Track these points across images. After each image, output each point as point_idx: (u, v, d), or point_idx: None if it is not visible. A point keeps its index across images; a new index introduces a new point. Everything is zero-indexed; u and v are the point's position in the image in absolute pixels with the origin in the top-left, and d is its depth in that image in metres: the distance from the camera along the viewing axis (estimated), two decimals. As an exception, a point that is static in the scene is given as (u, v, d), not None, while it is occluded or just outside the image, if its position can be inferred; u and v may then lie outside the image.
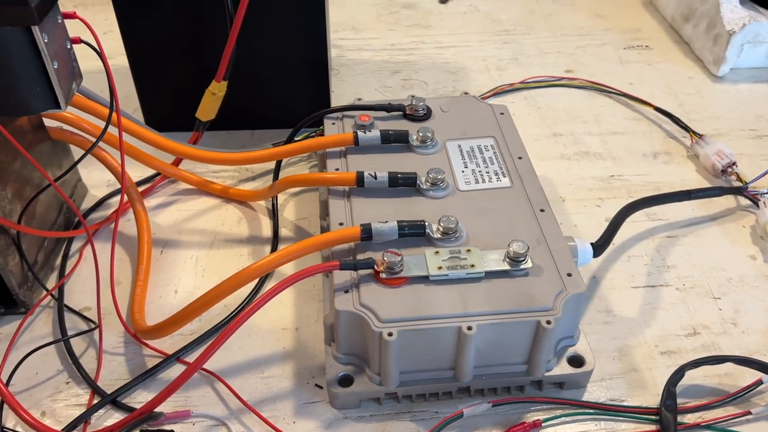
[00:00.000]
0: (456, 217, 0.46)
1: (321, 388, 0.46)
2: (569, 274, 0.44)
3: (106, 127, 0.46)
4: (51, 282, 0.53)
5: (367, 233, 0.45)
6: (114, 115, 0.45)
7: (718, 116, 0.72)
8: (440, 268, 0.43)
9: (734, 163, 0.62)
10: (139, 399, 0.45)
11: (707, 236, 0.58)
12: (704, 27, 0.79)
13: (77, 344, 0.48)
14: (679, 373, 0.45)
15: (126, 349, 0.48)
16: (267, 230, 0.58)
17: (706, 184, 0.62)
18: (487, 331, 0.41)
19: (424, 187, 0.50)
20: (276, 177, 0.62)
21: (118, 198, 0.61)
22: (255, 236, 0.58)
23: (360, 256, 0.44)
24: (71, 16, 0.42)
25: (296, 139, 0.61)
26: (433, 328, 0.41)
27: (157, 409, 0.42)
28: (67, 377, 0.47)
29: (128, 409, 0.44)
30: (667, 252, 0.56)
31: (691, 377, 0.46)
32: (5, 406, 0.43)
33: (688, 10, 0.83)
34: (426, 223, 0.46)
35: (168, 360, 0.47)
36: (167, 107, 0.67)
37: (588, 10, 0.92)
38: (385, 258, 0.43)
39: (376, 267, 0.43)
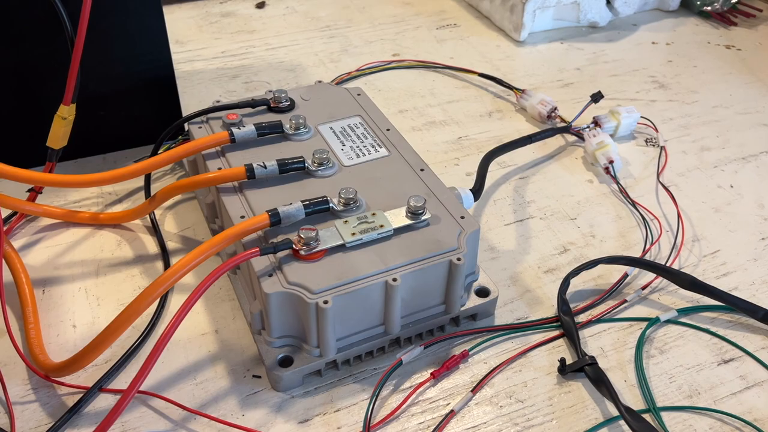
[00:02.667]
0: (354, 188, 0.49)
1: (259, 377, 0.46)
2: (462, 217, 0.49)
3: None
4: None
5: (276, 218, 0.46)
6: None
7: (530, 74, 0.82)
8: (353, 234, 0.46)
9: (556, 108, 0.72)
10: (69, 439, 0.42)
11: (550, 171, 0.66)
12: (499, 0, 0.90)
13: (-24, 405, 0.44)
14: (565, 283, 0.52)
15: (37, 395, 0.45)
16: (152, 247, 0.56)
17: (537, 130, 0.71)
18: (409, 279, 0.45)
19: (313, 168, 0.52)
20: (147, 192, 0.60)
21: (-29, 248, 0.55)
22: (141, 255, 0.56)
23: (272, 241, 0.46)
24: None
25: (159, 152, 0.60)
26: (363, 287, 0.43)
27: (99, 440, 0.40)
28: (-24, 441, 0.42)
29: (61, 452, 0.41)
30: (523, 190, 0.64)
31: (573, 285, 0.53)
32: None
33: (482, -11, 0.93)
34: (328, 198, 0.48)
35: (90, 392, 0.44)
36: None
37: (396, 0, 0.99)
38: (301, 235, 0.44)
39: (294, 246, 0.44)
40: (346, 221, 0.47)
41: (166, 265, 0.54)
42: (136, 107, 0.65)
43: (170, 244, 0.57)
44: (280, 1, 0.97)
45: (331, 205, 0.48)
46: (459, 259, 0.46)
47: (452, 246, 0.46)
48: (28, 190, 0.58)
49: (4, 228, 0.56)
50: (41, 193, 0.59)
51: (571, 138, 0.71)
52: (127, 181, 0.57)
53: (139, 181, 0.62)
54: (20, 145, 0.62)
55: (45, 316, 0.50)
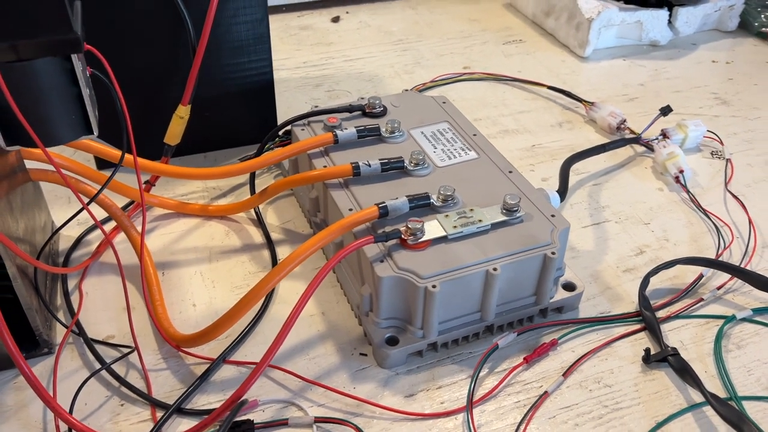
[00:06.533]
0: (452, 186, 0.53)
1: (366, 355, 0.51)
2: (553, 215, 0.53)
3: (119, 165, 0.47)
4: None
5: (384, 210, 0.51)
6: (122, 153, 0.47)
7: (596, 88, 0.86)
8: (455, 227, 0.50)
9: (625, 120, 0.76)
10: (200, 403, 0.47)
11: (622, 179, 0.70)
12: (565, 18, 0.94)
13: (116, 370, 0.49)
14: (645, 281, 0.56)
15: (168, 363, 0.50)
16: (257, 237, 0.61)
17: (607, 140, 0.75)
18: (508, 270, 0.49)
19: (410, 168, 0.56)
20: (252, 187, 0.65)
21: (96, 234, 0.61)
22: (248, 244, 0.61)
23: (382, 231, 0.50)
24: (81, 47, 0.44)
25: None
26: (467, 275, 0.48)
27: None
28: (119, 401, 0.47)
29: (195, 414, 0.46)
30: (598, 196, 0.68)
31: (651, 284, 0.56)
32: (75, 434, 0.44)
33: (547, 7, 0.98)
34: (429, 194, 0.52)
35: (216, 363, 0.49)
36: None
37: (462, 17, 1.04)
38: (409, 226, 0.49)
39: (402, 236, 0.49)
40: (447, 215, 0.51)
41: (272, 253, 0.59)
42: (237, 110, 0.70)
43: (273, 235, 0.61)
44: (354, 15, 1.03)
45: (431, 200, 0.52)
46: (553, 253, 0.50)
47: (546, 241, 0.50)
48: (145, 182, 0.64)
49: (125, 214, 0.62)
50: (154, 185, 0.64)
51: (640, 149, 0.74)
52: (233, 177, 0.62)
53: (241, 178, 0.67)
54: (139, 141, 0.67)
55: (166, 295, 0.55)
